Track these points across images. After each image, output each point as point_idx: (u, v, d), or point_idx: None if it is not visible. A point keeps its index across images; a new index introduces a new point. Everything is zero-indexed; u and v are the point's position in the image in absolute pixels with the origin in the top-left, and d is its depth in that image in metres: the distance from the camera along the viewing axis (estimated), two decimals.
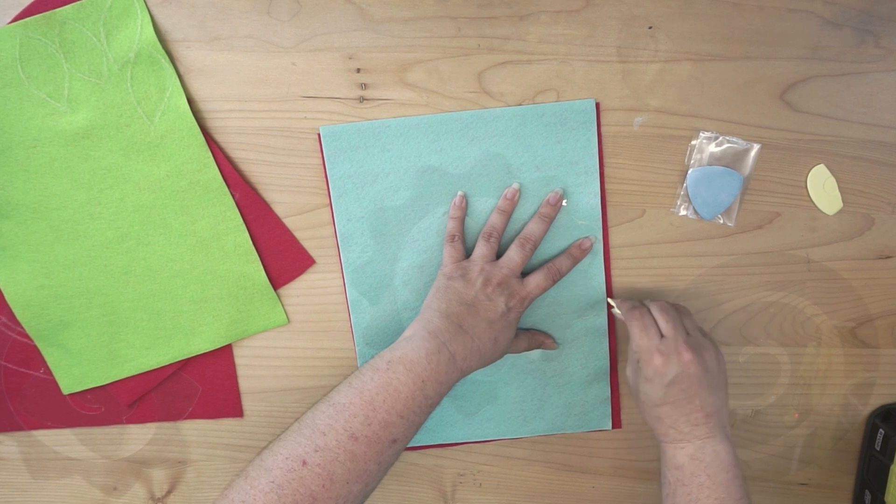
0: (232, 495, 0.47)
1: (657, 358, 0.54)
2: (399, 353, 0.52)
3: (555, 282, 0.59)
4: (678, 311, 0.57)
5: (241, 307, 0.63)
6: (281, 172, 0.62)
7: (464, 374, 0.54)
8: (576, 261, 0.61)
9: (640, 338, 0.55)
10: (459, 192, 0.61)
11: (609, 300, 0.61)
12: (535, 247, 0.60)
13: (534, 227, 0.60)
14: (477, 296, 0.56)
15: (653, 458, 0.67)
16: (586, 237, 0.62)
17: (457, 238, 0.60)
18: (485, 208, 0.62)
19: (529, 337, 0.62)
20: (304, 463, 0.47)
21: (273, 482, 0.47)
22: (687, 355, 0.53)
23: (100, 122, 0.59)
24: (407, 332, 0.55)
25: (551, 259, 0.61)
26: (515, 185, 0.60)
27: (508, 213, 0.61)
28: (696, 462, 0.52)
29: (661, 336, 0.55)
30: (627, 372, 0.58)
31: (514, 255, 0.58)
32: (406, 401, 0.50)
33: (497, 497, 0.68)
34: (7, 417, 0.65)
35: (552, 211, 0.60)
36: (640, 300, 0.59)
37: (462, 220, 0.61)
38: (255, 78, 0.60)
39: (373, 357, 0.53)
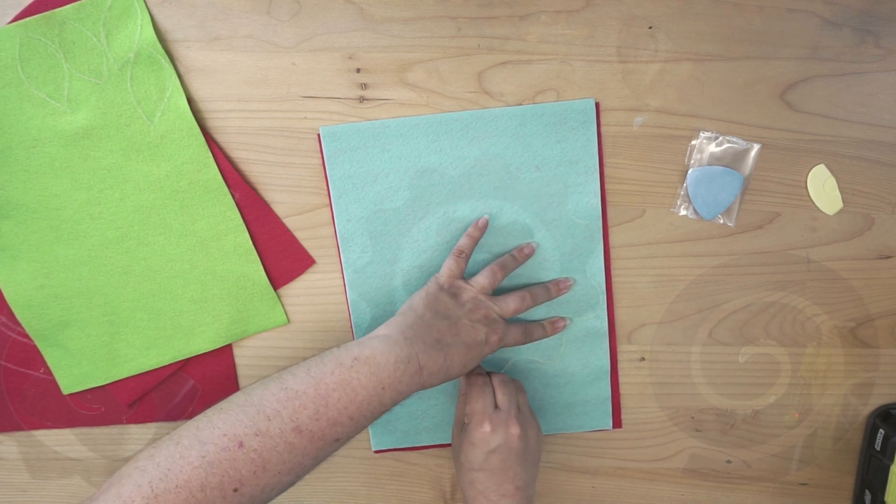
0: (159, 457, 0.44)
1: (487, 425, 0.55)
2: (367, 353, 0.49)
3: (525, 343, 0.60)
4: (515, 387, 0.59)
5: (241, 307, 0.63)
6: (281, 172, 0.62)
7: (423, 388, 0.52)
8: (547, 335, 0.63)
9: (475, 401, 0.57)
10: (485, 216, 0.61)
11: None
12: (534, 305, 0.60)
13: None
14: (461, 318, 0.55)
15: (653, 459, 0.67)
16: (562, 318, 0.63)
17: (463, 255, 0.59)
18: (484, 209, 0.62)
19: (525, 329, 0.61)
20: (241, 445, 0.45)
21: (204, 457, 0.44)
22: (515, 429, 0.55)
23: (100, 122, 0.59)
24: (382, 330, 0.52)
25: (533, 322, 0.62)
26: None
27: (520, 260, 0.61)
28: None
29: (496, 407, 0.57)
30: (453, 431, 0.60)
31: (510, 302, 0.58)
32: (361, 404, 0.48)
33: None
34: (7, 417, 0.65)
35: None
36: (485, 370, 0.61)
37: (477, 241, 0.61)
38: (255, 78, 0.60)
39: (340, 347, 0.51)
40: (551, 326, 0.62)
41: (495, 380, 0.59)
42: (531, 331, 0.61)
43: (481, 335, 0.55)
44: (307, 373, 0.49)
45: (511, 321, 0.60)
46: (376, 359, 0.49)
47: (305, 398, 0.47)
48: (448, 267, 0.59)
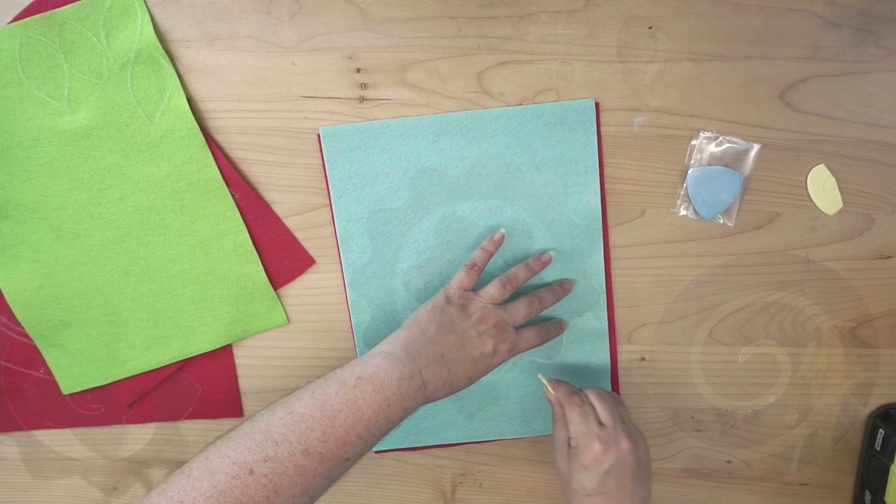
0: (171, 491, 0.45)
1: (597, 445, 0.53)
2: (371, 371, 0.50)
3: (542, 343, 0.59)
4: (614, 399, 0.57)
5: (241, 307, 0.63)
6: (281, 172, 0.62)
7: (429, 402, 0.53)
8: (561, 329, 0.62)
9: (579, 423, 0.54)
10: (502, 229, 0.61)
11: (541, 376, 0.60)
12: (542, 309, 0.59)
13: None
14: (468, 330, 0.55)
15: (653, 458, 0.67)
16: (565, 321, 0.63)
17: (476, 268, 0.58)
18: (484, 209, 0.62)
19: (539, 329, 0.60)
20: (251, 471, 0.45)
21: (216, 487, 0.44)
22: (626, 444, 0.53)
23: (100, 122, 0.59)
24: (385, 346, 0.53)
25: (546, 321, 0.61)
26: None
27: (534, 270, 0.60)
28: None
29: (601, 424, 0.55)
30: (557, 459, 0.57)
31: (520, 308, 0.57)
32: (368, 422, 0.49)
33: (497, 497, 0.68)
34: (7, 417, 0.65)
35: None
36: (576, 387, 0.59)
37: (491, 255, 0.60)
38: (255, 78, 0.60)
39: (342, 366, 0.51)
40: (558, 326, 0.62)
41: (592, 395, 0.57)
42: (548, 330, 0.60)
43: (489, 347, 0.55)
44: (312, 395, 0.49)
45: (525, 324, 0.59)
46: (380, 377, 0.50)
47: (312, 420, 0.48)
48: (459, 279, 0.58)
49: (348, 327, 0.64)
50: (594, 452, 0.53)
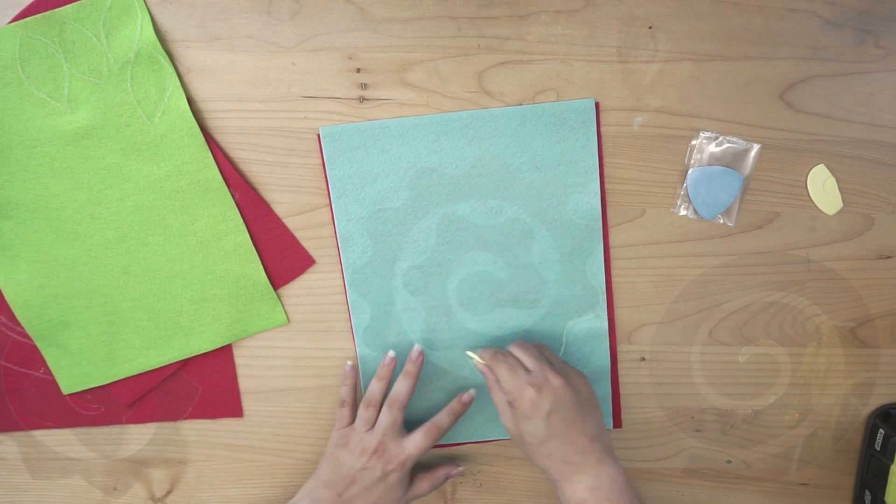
0: None
1: (530, 391, 0.54)
2: None
3: (435, 440, 0.60)
4: (538, 348, 0.58)
5: (241, 307, 0.63)
6: (281, 172, 0.62)
7: None
8: (456, 416, 0.61)
9: (509, 378, 0.55)
10: (349, 362, 0.62)
11: (469, 353, 0.60)
12: (404, 405, 0.60)
13: (399, 387, 0.60)
14: (354, 464, 0.58)
15: (653, 459, 0.67)
16: (467, 392, 0.62)
17: (346, 404, 0.61)
18: (484, 208, 0.62)
19: (431, 478, 0.62)
20: None
21: None
22: (556, 381, 0.54)
23: (100, 122, 0.59)
24: (295, 498, 0.59)
25: (433, 417, 0.61)
26: (392, 354, 0.62)
27: (387, 381, 0.61)
28: (597, 492, 0.53)
29: (528, 371, 0.56)
30: (505, 423, 0.57)
31: (383, 420, 0.59)
32: None
33: (497, 497, 0.68)
34: (7, 417, 0.65)
35: (414, 368, 0.61)
36: (500, 348, 0.59)
37: (354, 387, 0.62)
38: (255, 78, 0.60)
39: None
40: (459, 404, 0.62)
41: (514, 348, 0.58)
42: (438, 425, 0.60)
43: (377, 472, 0.58)
44: None
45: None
46: None
47: None
48: (336, 419, 0.61)
49: (348, 327, 0.64)
50: (529, 398, 0.54)
